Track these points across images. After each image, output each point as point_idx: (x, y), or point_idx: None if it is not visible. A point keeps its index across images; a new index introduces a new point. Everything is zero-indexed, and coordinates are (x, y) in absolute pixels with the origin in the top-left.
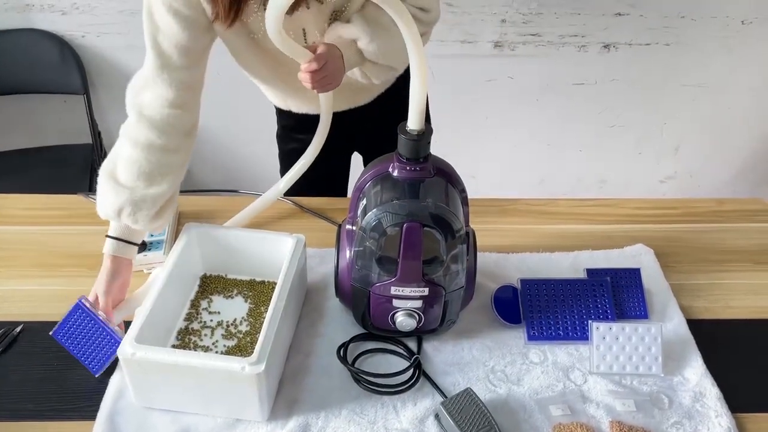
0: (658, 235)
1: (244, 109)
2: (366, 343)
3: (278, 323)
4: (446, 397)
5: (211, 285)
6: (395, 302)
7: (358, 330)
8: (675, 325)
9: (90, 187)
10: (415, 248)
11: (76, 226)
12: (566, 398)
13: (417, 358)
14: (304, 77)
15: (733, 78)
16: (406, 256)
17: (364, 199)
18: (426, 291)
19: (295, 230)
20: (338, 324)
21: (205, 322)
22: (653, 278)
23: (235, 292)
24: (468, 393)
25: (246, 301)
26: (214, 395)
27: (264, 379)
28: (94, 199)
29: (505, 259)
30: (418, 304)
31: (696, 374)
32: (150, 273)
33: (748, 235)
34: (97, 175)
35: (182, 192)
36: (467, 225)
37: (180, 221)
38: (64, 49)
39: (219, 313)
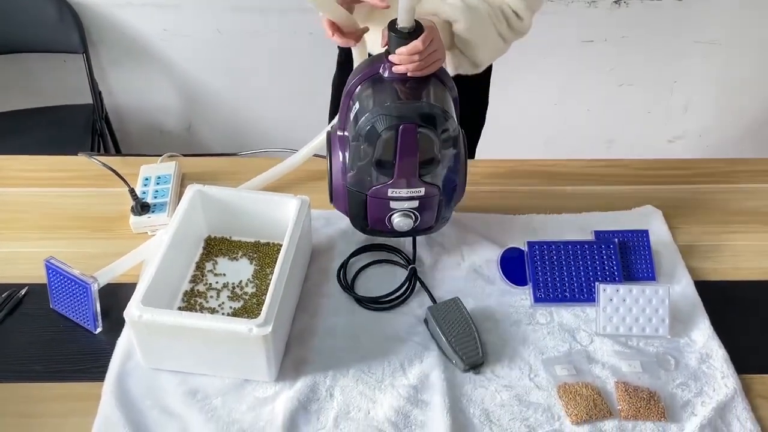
0: (667, 196)
1: (249, 67)
2: (364, 257)
3: (284, 285)
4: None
5: (215, 247)
6: (392, 204)
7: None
8: (683, 286)
9: (92, 148)
10: (411, 150)
11: (79, 188)
12: (572, 358)
13: (413, 268)
14: (401, 59)
15: (745, 34)
16: (402, 159)
17: (357, 102)
18: (422, 191)
19: (303, 192)
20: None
21: (210, 284)
22: (661, 239)
23: (240, 254)
24: (455, 301)
25: (251, 263)
26: (222, 357)
27: (271, 340)
28: (97, 160)
29: (512, 220)
30: (415, 204)
31: (703, 336)
32: (154, 234)
33: (758, 196)
34: (98, 135)
35: (184, 155)
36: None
37: (183, 183)
38: (62, 7)
39: (224, 275)
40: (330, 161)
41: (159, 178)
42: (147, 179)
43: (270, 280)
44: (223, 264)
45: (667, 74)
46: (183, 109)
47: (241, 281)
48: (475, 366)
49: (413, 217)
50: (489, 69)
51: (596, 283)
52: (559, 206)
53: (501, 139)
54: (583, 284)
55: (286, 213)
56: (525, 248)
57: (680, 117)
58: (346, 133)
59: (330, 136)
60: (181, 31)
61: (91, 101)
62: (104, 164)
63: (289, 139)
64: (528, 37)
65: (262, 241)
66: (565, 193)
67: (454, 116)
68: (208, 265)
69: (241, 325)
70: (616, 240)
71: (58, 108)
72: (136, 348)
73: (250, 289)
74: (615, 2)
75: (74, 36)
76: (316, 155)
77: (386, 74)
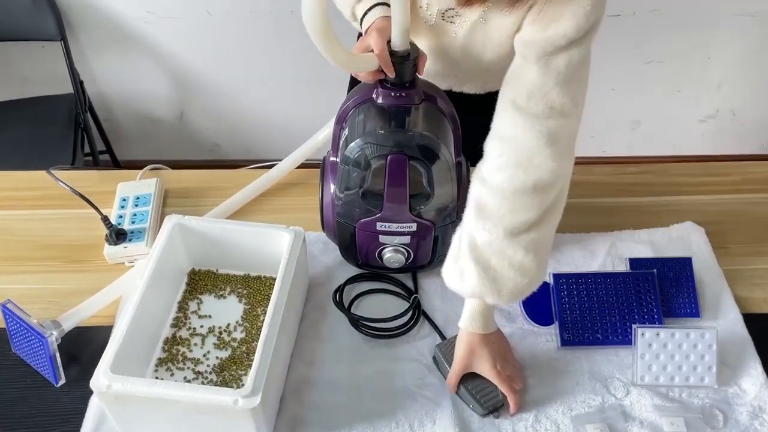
0: (709, 209)
1: (243, 50)
2: (362, 284)
3: (275, 342)
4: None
5: (200, 282)
6: (382, 238)
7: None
8: (730, 322)
9: (75, 143)
10: (400, 182)
11: (48, 210)
12: (605, 415)
13: (416, 297)
14: None
15: None
16: (391, 190)
17: (347, 128)
18: (414, 227)
19: (297, 206)
20: (343, 324)
21: (194, 328)
22: (704, 263)
23: (228, 290)
24: None
25: (240, 301)
26: (205, 428)
27: (260, 411)
28: (65, 184)
29: None
30: (407, 239)
31: (755, 384)
32: (132, 265)
33: None
34: (82, 129)
35: (167, 162)
36: (459, 155)
37: (166, 202)
38: None
39: (210, 316)
40: (321, 188)
41: (138, 199)
42: (125, 200)
43: (261, 322)
44: (209, 303)
45: (700, 50)
46: (174, 97)
47: (228, 324)
48: (496, 408)
49: (405, 253)
50: None
51: (633, 327)
52: (587, 223)
53: None
54: (617, 323)
55: (278, 245)
56: (550, 281)
57: (713, 95)
58: (336, 160)
59: (325, 162)
60: (168, 13)
61: (72, 91)
62: (72, 189)
63: (288, 125)
64: None
65: (252, 274)
66: (592, 207)
67: (451, 147)
68: (192, 305)
69: (225, 396)
70: (655, 271)
71: (39, 99)
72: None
73: (238, 335)
74: None
75: (50, 21)
76: (307, 162)
77: (380, 100)
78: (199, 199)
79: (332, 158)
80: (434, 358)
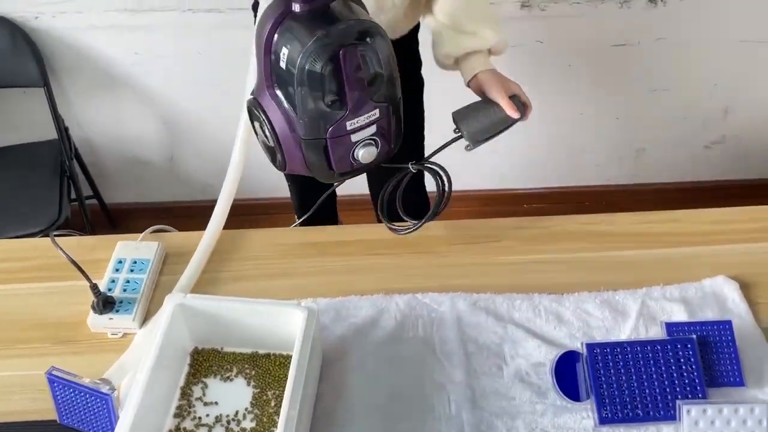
0: (742, 260)
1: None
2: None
3: None
4: None
5: (204, 363)
6: (353, 137)
7: (377, 399)
8: None
9: (61, 193)
10: (359, 73)
11: (41, 284)
12: None
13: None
14: None
15: None
16: (352, 86)
17: (282, 49)
18: (377, 113)
19: (298, 269)
20: (361, 404)
21: (200, 417)
22: (742, 322)
23: (235, 371)
24: None
25: (249, 384)
26: None
27: None
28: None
29: (560, 303)
30: (374, 129)
31: None
32: (115, 336)
33: None
34: (68, 178)
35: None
36: None
37: (166, 265)
38: (15, 34)
39: (216, 403)
40: (269, 128)
41: (135, 263)
42: (120, 263)
43: (272, 408)
44: (215, 387)
45: (705, 77)
46: (163, 139)
47: (237, 412)
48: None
49: (375, 143)
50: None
51: (677, 403)
52: (613, 280)
53: (520, 154)
54: (658, 396)
55: (288, 321)
56: (582, 351)
57: (719, 121)
58: (277, 91)
59: (256, 104)
60: (156, 54)
61: (57, 137)
62: (67, 255)
63: None
64: (554, 43)
65: (261, 352)
66: (618, 261)
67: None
68: (197, 390)
69: None
70: (695, 337)
71: (21, 147)
72: None
73: (248, 423)
74: (650, 1)
75: (31, 67)
76: None
77: (298, 9)
78: (218, 264)
79: (268, 92)
80: (455, 120)
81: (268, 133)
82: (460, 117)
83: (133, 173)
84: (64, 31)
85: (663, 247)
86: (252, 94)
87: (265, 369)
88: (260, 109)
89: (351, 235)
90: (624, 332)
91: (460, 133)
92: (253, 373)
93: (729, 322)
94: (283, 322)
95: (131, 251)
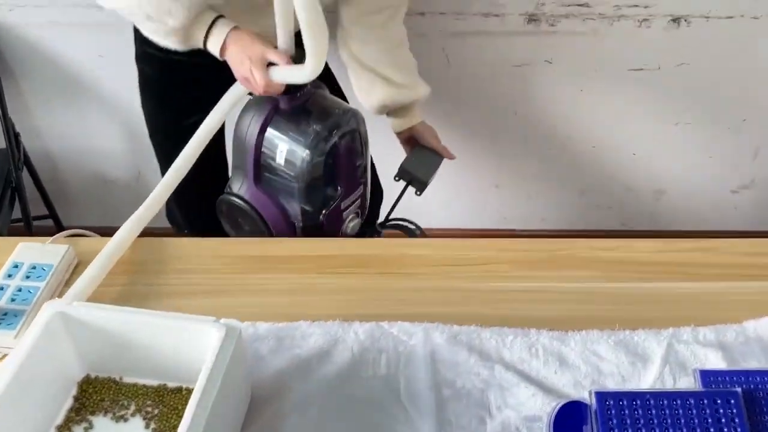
0: None
1: None
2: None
3: None
4: None
5: (95, 396)
6: (344, 214)
7: None
8: None
9: (1, 205)
10: (353, 157)
11: None
12: None
13: None
14: None
15: None
16: (348, 169)
17: (280, 145)
18: (361, 188)
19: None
20: None
21: None
22: None
23: (133, 408)
24: None
25: (147, 427)
26: None
27: None
28: None
29: (563, 341)
30: (359, 203)
31: None
32: None
33: None
34: (16, 191)
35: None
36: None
37: (77, 271)
38: None
39: None
40: (260, 222)
41: (34, 269)
42: (17, 266)
43: None
44: (103, 428)
45: (734, 110)
46: (129, 154)
47: None
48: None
49: (359, 214)
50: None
51: None
52: (634, 316)
53: (526, 189)
54: None
55: (207, 344)
56: (591, 401)
57: (749, 162)
58: (266, 185)
59: (240, 201)
60: (123, 59)
61: (5, 145)
62: None
63: None
64: (564, 63)
65: (170, 385)
66: (640, 293)
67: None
68: (77, 431)
69: None
70: (739, 390)
71: None
72: None
73: None
74: (673, 20)
75: None
76: None
77: (285, 106)
78: (133, 275)
79: (257, 187)
80: (404, 175)
81: (253, 226)
82: (412, 167)
83: (96, 192)
84: (20, 28)
85: (693, 280)
86: (229, 191)
87: (172, 407)
88: (248, 205)
89: (304, 249)
90: (645, 381)
91: (412, 183)
92: (156, 412)
93: None
94: (198, 346)
95: (33, 254)
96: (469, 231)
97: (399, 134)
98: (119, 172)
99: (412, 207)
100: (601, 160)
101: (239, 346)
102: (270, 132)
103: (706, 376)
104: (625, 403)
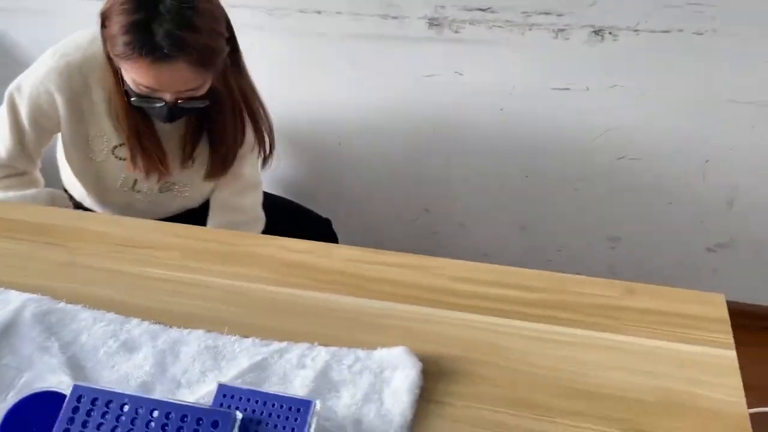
0: None
1: None
2: None
3: None
4: None
5: None
6: None
7: None
8: None
9: None
10: None
11: None
12: None
13: None
14: None
15: None
16: None
17: None
18: None
19: None
20: None
21: None
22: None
23: None
24: None
25: None
26: None
27: None
28: None
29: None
30: None
31: None
32: None
33: None
34: None
35: None
36: None
37: None
38: None
39: None
40: None
41: None
42: None
43: None
44: None
45: (696, 147)
46: None
47: None
48: None
49: None
50: None
51: None
52: (271, 325)
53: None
54: None
55: None
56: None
57: (724, 215)
58: None
59: None
60: None
61: None
62: None
63: None
64: (476, 76)
65: None
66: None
67: None
68: None
69: None
70: (237, 414)
71: None
72: None
73: None
74: (594, 33)
75: None
76: None
77: None
78: None
79: None
80: None
81: None
82: None
83: None
84: None
85: (371, 297)
86: None
87: None
88: None
89: None
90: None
91: None
92: None
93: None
94: None
95: None
96: None
97: None
98: None
99: None
100: (535, 193)
101: None
102: None
103: (225, 390)
104: (99, 401)
